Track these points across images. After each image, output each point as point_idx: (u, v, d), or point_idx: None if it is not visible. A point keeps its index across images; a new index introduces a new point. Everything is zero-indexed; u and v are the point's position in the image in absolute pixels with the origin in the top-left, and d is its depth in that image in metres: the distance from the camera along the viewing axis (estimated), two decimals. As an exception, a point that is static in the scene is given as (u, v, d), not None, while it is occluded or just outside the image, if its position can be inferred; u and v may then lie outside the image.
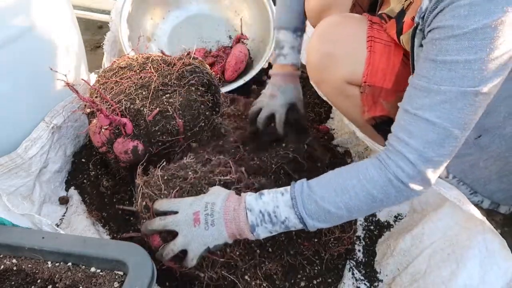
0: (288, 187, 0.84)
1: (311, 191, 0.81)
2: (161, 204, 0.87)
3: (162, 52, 1.30)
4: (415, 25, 0.81)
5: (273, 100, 1.21)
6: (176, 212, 0.84)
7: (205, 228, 0.81)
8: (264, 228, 0.82)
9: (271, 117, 1.22)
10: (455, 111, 0.73)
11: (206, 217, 0.82)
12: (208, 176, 0.94)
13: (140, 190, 0.91)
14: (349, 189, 0.79)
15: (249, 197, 0.84)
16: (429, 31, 0.76)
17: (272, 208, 0.81)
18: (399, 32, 0.94)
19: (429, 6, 0.75)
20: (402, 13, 0.95)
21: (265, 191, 0.85)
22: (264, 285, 1.02)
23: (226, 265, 0.92)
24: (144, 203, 0.89)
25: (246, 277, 0.99)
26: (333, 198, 0.80)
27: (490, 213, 1.26)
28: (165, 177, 0.93)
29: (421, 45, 0.82)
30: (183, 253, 0.84)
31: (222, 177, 0.94)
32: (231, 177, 0.94)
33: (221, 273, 0.91)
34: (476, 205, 1.22)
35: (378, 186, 0.78)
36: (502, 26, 0.67)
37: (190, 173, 0.94)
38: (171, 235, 0.85)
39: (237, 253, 0.92)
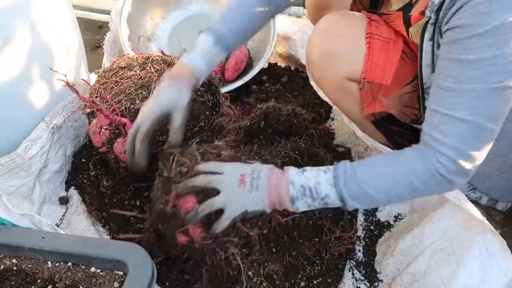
0: (331, 166, 0.85)
1: (354, 173, 0.82)
2: (206, 166, 0.86)
3: (162, 52, 1.30)
4: (427, 19, 0.81)
5: (141, 110, 0.93)
6: (221, 174, 0.84)
7: (249, 191, 0.82)
8: (303, 202, 0.83)
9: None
10: (486, 107, 0.74)
11: (252, 180, 0.83)
12: (240, 157, 0.94)
13: (174, 158, 0.90)
14: (391, 177, 0.81)
15: (292, 171, 0.85)
16: (448, 29, 0.76)
17: (314, 184, 0.83)
18: (408, 25, 0.94)
19: (446, 2, 0.75)
20: (410, 6, 0.95)
21: (307, 168, 0.86)
22: (265, 284, 1.02)
23: (241, 249, 0.92)
24: (178, 169, 0.88)
25: (250, 273, 0.99)
26: (375, 183, 0.81)
27: (489, 213, 1.26)
28: (200, 150, 0.92)
29: (430, 40, 0.83)
30: (217, 215, 0.83)
31: (250, 161, 0.94)
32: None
33: (235, 256, 0.89)
34: (474, 201, 1.22)
35: (421, 178, 0.80)
36: None
37: (223, 152, 0.94)
38: (207, 198, 0.84)
39: (264, 231, 0.91)
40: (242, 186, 0.82)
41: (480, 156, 0.79)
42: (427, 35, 0.84)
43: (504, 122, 0.79)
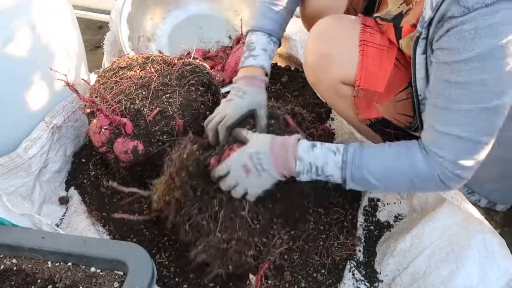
0: (341, 146, 0.89)
1: (361, 162, 0.86)
2: (217, 172, 0.92)
3: (161, 52, 1.30)
4: (418, 34, 0.82)
5: (226, 106, 1.02)
6: (228, 173, 0.91)
7: (257, 175, 0.90)
8: (308, 176, 0.90)
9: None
10: (479, 123, 0.76)
11: (255, 166, 0.89)
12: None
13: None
14: (396, 173, 0.86)
15: (302, 147, 0.89)
16: (437, 48, 0.78)
17: (321, 164, 0.88)
18: (399, 36, 0.94)
19: (434, 21, 0.76)
20: (400, 17, 0.95)
21: (317, 144, 0.90)
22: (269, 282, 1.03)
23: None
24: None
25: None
26: (379, 175, 0.86)
27: (489, 213, 1.26)
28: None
29: (423, 53, 0.84)
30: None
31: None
32: None
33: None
34: (474, 204, 1.22)
35: (422, 178, 0.84)
36: (510, 44, 0.68)
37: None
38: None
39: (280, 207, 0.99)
40: (250, 174, 0.89)
41: (477, 164, 0.82)
42: (419, 49, 0.84)
43: (501, 130, 0.79)
